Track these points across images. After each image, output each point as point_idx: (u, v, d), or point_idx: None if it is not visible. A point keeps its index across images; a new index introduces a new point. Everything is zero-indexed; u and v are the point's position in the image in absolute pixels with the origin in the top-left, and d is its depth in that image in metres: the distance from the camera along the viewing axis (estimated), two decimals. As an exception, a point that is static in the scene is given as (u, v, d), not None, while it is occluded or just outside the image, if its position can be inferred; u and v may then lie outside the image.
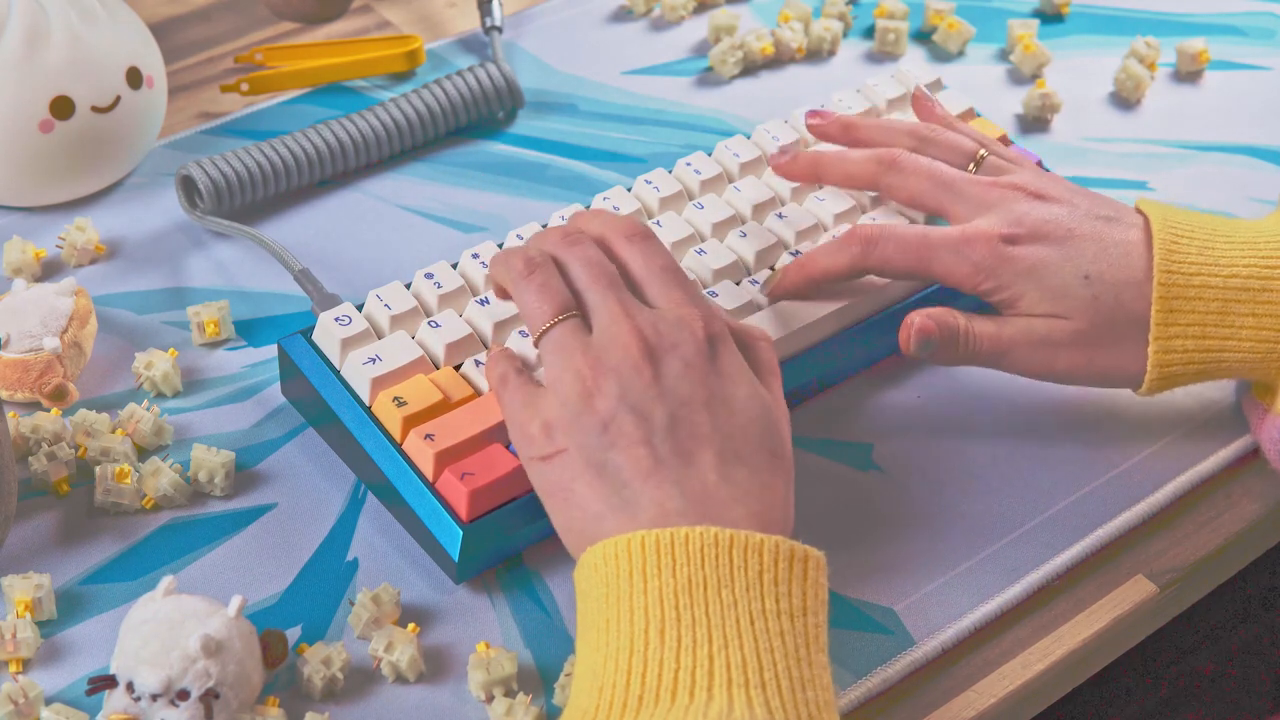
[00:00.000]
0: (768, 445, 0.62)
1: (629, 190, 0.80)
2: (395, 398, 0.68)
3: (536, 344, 0.64)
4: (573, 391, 0.61)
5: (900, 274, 0.73)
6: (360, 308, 0.72)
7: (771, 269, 0.76)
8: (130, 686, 0.60)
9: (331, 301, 0.75)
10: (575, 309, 0.64)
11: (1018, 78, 0.97)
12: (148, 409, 0.73)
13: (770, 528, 0.60)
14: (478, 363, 0.70)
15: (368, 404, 0.69)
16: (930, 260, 0.71)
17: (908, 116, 0.85)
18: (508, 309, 0.72)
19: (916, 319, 0.71)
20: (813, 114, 0.80)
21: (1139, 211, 0.73)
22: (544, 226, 0.77)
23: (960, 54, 0.99)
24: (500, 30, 0.95)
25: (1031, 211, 0.72)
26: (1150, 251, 0.71)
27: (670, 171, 0.81)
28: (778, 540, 0.58)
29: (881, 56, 0.99)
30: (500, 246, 0.75)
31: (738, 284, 0.74)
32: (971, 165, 0.75)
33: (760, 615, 0.56)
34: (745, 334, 0.66)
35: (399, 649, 0.64)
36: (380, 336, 0.71)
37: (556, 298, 0.64)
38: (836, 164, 0.76)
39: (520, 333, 0.70)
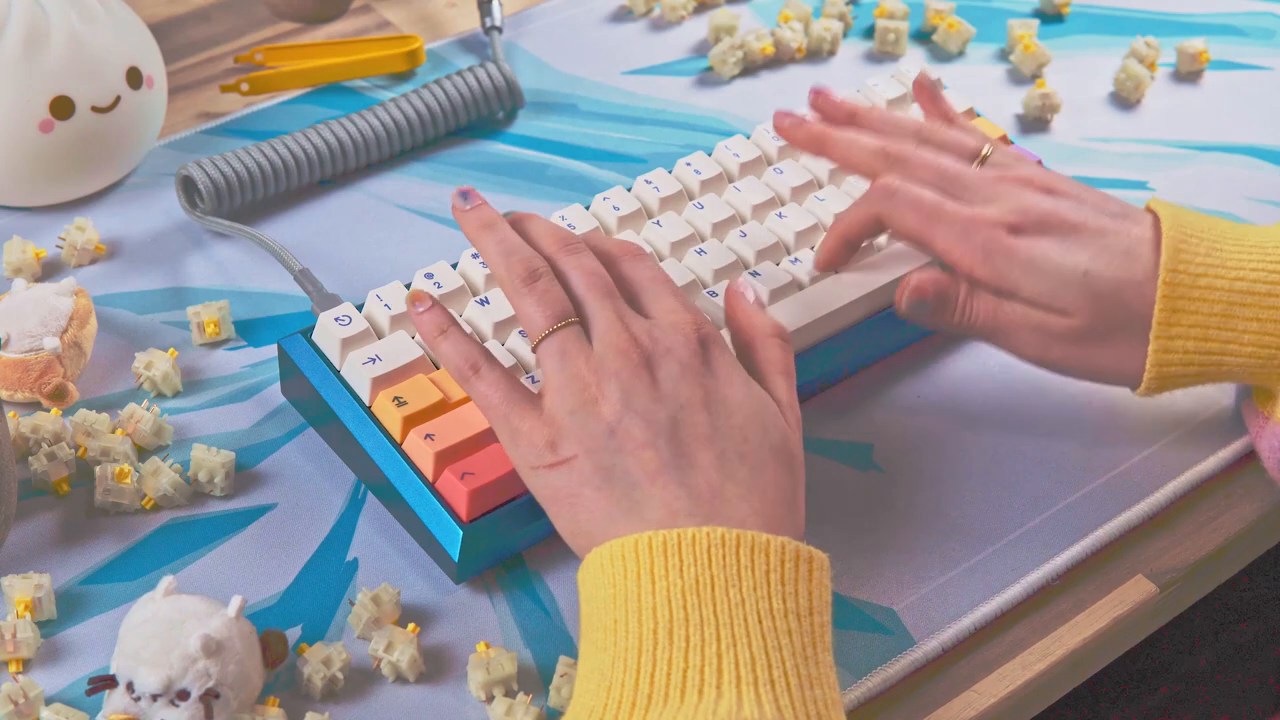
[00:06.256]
0: (768, 442, 0.62)
1: (629, 190, 0.80)
2: (395, 397, 0.68)
3: (535, 349, 0.64)
4: (577, 398, 0.62)
5: (907, 236, 0.72)
6: (360, 308, 0.72)
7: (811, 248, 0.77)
8: (130, 686, 0.60)
9: (331, 301, 0.75)
10: (574, 317, 0.64)
11: (1018, 78, 0.98)
12: (148, 409, 0.73)
13: (778, 525, 0.60)
14: None
15: (368, 404, 0.69)
16: (935, 231, 0.71)
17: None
18: (508, 309, 0.72)
19: (914, 277, 0.71)
20: (817, 92, 0.78)
21: (1150, 210, 0.73)
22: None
23: (960, 54, 0.99)
24: (500, 30, 0.95)
25: (1039, 203, 0.71)
26: (1156, 251, 0.70)
27: (670, 171, 0.81)
28: (784, 541, 0.58)
29: (881, 56, 0.99)
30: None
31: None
32: (976, 162, 0.75)
33: (768, 614, 0.56)
34: (756, 331, 0.66)
35: (399, 649, 0.64)
36: (380, 336, 0.72)
37: (556, 305, 0.64)
38: (841, 146, 0.75)
39: (520, 333, 0.70)
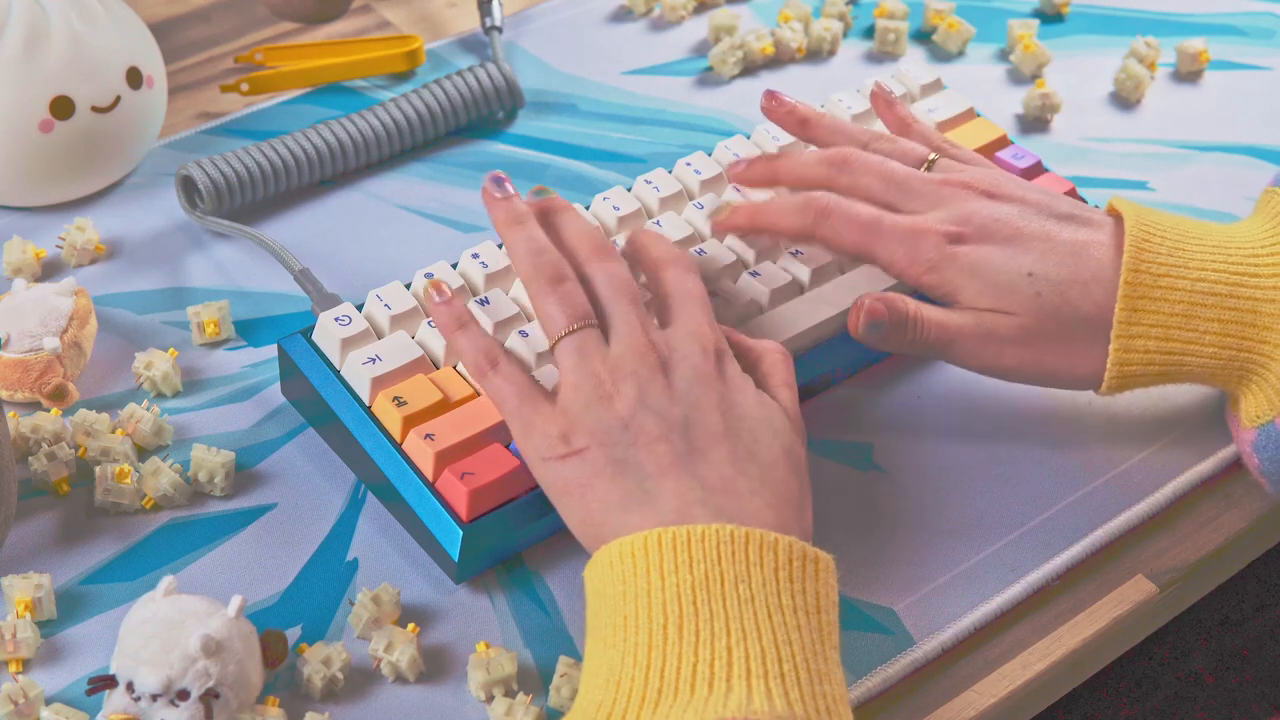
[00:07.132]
0: (778, 444, 0.63)
1: (629, 190, 0.80)
2: (395, 397, 0.68)
3: (553, 348, 0.65)
4: (592, 393, 0.63)
5: (846, 251, 0.73)
6: (360, 308, 0.72)
7: (726, 203, 0.77)
8: (130, 686, 0.60)
9: (331, 301, 0.75)
10: (594, 320, 0.65)
11: (1018, 78, 0.98)
12: (148, 409, 0.73)
13: (788, 524, 0.61)
14: None
15: (368, 404, 0.69)
16: (875, 245, 0.72)
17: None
18: (508, 309, 0.72)
19: (866, 300, 0.71)
20: (770, 96, 0.79)
21: (1112, 210, 0.73)
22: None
23: (960, 54, 0.99)
24: (500, 30, 0.95)
25: (981, 210, 0.72)
26: (1110, 253, 0.71)
27: (670, 171, 0.81)
28: (791, 540, 0.59)
29: (881, 56, 0.99)
30: (500, 247, 0.75)
31: (736, 283, 0.75)
32: (923, 168, 0.75)
33: (777, 609, 0.57)
34: (757, 348, 0.68)
35: (399, 649, 0.64)
36: (380, 336, 0.72)
37: (578, 307, 0.65)
38: (789, 167, 0.76)
39: (520, 333, 0.70)
